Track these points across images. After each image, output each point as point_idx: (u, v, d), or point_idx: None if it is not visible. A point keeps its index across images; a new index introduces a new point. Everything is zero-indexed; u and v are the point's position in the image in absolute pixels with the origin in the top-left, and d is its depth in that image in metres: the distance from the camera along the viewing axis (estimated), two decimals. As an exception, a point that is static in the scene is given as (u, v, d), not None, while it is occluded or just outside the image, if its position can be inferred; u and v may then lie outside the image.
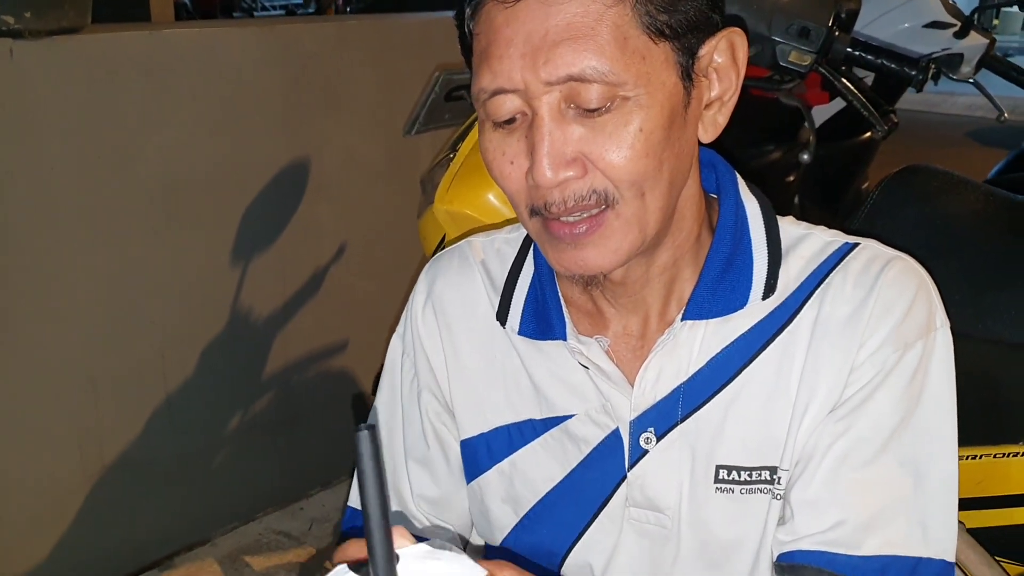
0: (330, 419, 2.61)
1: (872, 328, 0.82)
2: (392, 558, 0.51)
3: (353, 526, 1.06)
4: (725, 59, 0.81)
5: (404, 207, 2.41)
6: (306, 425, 2.58)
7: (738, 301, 0.85)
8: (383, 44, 2.53)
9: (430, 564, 0.55)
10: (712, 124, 0.83)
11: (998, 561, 1.11)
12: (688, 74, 0.78)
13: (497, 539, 0.98)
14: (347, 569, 0.54)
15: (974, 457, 1.14)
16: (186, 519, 2.38)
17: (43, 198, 1.96)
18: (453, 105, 1.71)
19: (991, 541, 1.11)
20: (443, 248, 1.62)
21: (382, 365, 1.06)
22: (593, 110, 0.74)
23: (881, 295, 0.82)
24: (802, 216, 0.92)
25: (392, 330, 1.04)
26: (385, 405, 1.03)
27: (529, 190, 0.79)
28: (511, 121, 0.77)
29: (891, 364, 0.81)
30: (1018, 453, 1.15)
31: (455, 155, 1.62)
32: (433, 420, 0.99)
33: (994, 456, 1.15)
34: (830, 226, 0.91)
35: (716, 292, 0.86)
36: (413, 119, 1.74)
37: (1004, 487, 1.16)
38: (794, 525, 0.82)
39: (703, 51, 0.79)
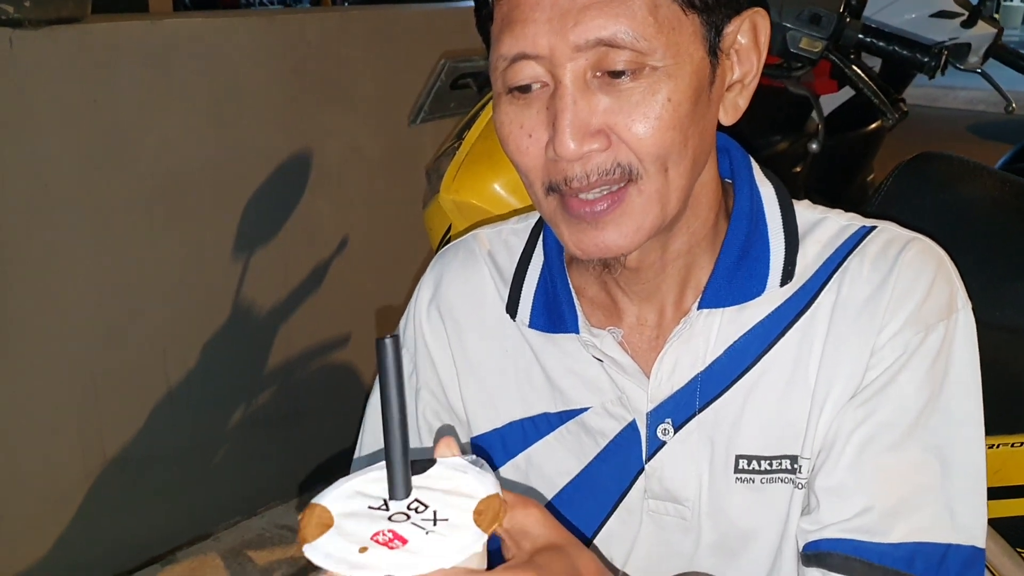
0: (333, 412, 2.59)
1: (892, 310, 0.80)
2: (407, 461, 0.56)
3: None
4: (748, 40, 0.80)
5: (407, 199, 2.40)
6: (308, 419, 2.57)
7: (755, 289, 0.84)
8: (385, 34, 2.51)
9: (455, 475, 0.58)
10: (733, 107, 0.81)
11: (1018, 551, 1.10)
12: (714, 51, 0.77)
13: None
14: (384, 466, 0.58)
15: (992, 446, 1.12)
16: (188, 514, 2.37)
17: (42, 189, 1.94)
18: (459, 93, 1.70)
19: (1011, 531, 1.09)
20: (449, 238, 1.62)
21: None
22: (619, 74, 0.72)
23: (900, 277, 0.80)
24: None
25: (396, 322, 1.02)
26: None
27: (547, 165, 0.76)
28: (527, 90, 0.75)
29: (913, 346, 0.79)
30: (1037, 442, 1.14)
31: (461, 144, 1.60)
32: (430, 419, 0.97)
33: (1012, 445, 1.14)
34: (845, 210, 0.89)
35: (733, 280, 0.84)
36: (418, 108, 1.72)
37: (1022, 477, 1.15)
38: (819, 514, 0.81)
39: (728, 29, 0.78)
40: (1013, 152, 2.56)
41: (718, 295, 0.84)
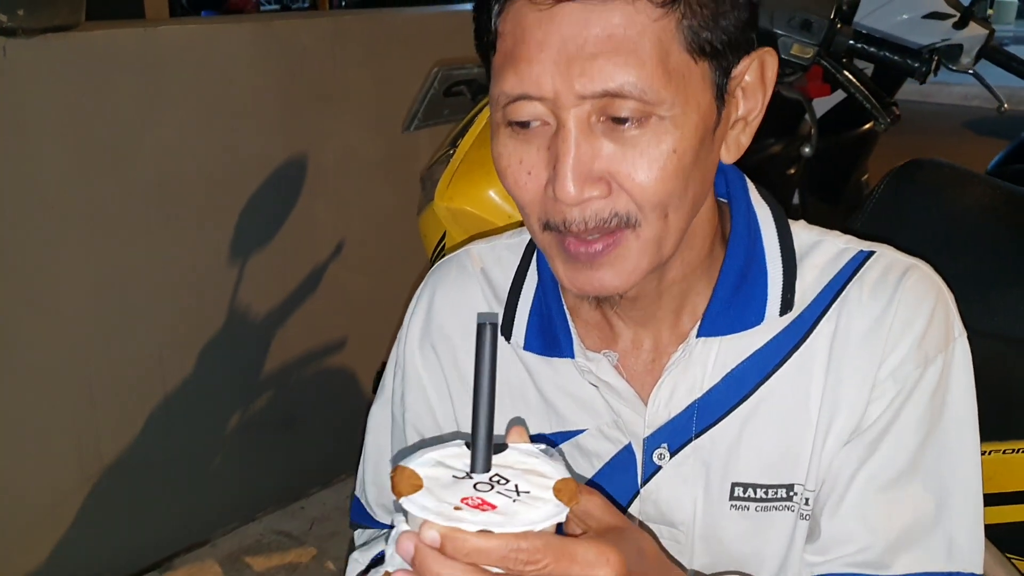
0: (330, 417, 2.59)
1: (892, 343, 0.80)
2: (491, 438, 0.61)
3: (360, 515, 1.06)
4: (754, 78, 0.78)
5: (403, 204, 2.40)
6: (306, 424, 2.57)
7: (754, 317, 0.83)
8: (380, 39, 2.51)
9: (529, 458, 0.63)
10: (735, 144, 0.80)
11: (1009, 558, 1.11)
12: (721, 94, 0.75)
13: None
14: (462, 443, 0.64)
15: (984, 453, 1.13)
16: (186, 520, 2.37)
17: (37, 198, 1.94)
18: (452, 101, 1.70)
19: (1002, 538, 1.10)
20: (443, 245, 1.62)
21: (383, 363, 1.05)
22: (624, 120, 0.70)
23: (900, 308, 0.81)
24: (804, 209, 0.91)
25: (393, 328, 1.02)
26: (381, 407, 1.03)
27: (545, 202, 0.75)
28: (527, 125, 0.73)
29: (912, 381, 0.80)
30: (1028, 449, 1.15)
31: (455, 151, 1.60)
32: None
33: (1003, 452, 1.15)
34: (833, 220, 0.89)
35: (731, 307, 0.83)
36: (412, 115, 1.72)
37: (1014, 483, 1.15)
38: (823, 547, 0.82)
39: (737, 71, 0.76)
40: (1006, 152, 2.57)
41: (716, 323, 0.83)
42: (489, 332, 0.61)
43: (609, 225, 0.73)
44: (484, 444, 0.61)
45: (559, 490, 0.60)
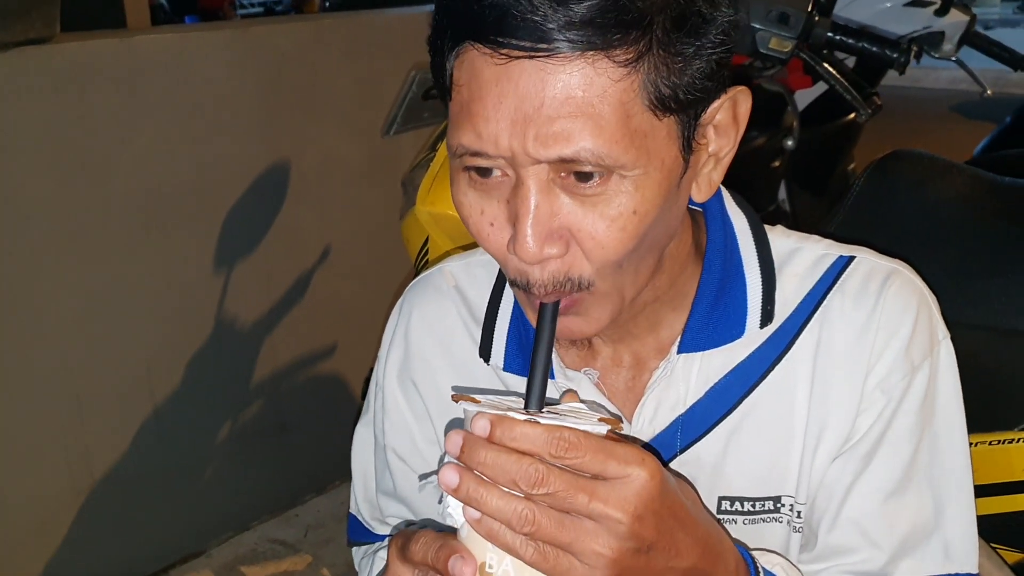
0: (321, 424, 2.59)
1: (878, 354, 0.80)
2: (545, 382, 0.68)
3: (357, 532, 1.06)
4: (726, 117, 0.75)
5: (387, 208, 2.39)
6: (297, 431, 2.56)
7: (734, 332, 0.82)
8: (360, 42, 2.50)
9: (580, 407, 0.70)
10: (706, 182, 0.77)
11: (995, 549, 1.11)
12: (689, 144, 0.72)
13: None
14: (519, 398, 0.70)
15: (970, 446, 1.13)
16: (180, 531, 2.36)
17: (18, 212, 1.93)
18: (431, 104, 1.69)
19: (987, 529, 1.09)
20: (427, 250, 1.61)
21: (371, 369, 1.04)
22: (583, 179, 0.68)
23: (883, 317, 0.80)
24: (791, 200, 0.90)
25: (382, 332, 1.01)
26: (365, 426, 1.03)
27: (508, 260, 0.73)
28: (486, 174, 0.71)
29: (901, 391, 0.80)
30: (1013, 440, 1.14)
31: (435, 155, 1.59)
32: (397, 476, 0.98)
33: (989, 443, 1.14)
34: (819, 211, 0.89)
35: (710, 321, 0.83)
36: (391, 119, 1.71)
37: (1000, 475, 1.15)
38: (822, 555, 0.82)
39: (707, 115, 0.73)
40: (991, 137, 2.57)
41: (697, 339, 0.83)
42: (550, 310, 0.71)
43: (563, 289, 0.72)
44: (539, 382, 0.67)
45: (602, 420, 0.66)
